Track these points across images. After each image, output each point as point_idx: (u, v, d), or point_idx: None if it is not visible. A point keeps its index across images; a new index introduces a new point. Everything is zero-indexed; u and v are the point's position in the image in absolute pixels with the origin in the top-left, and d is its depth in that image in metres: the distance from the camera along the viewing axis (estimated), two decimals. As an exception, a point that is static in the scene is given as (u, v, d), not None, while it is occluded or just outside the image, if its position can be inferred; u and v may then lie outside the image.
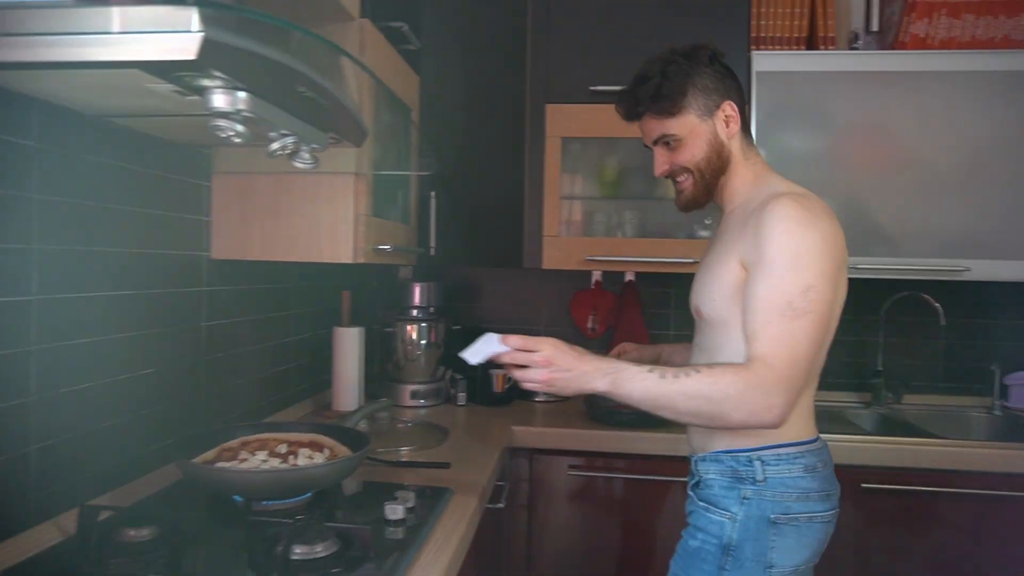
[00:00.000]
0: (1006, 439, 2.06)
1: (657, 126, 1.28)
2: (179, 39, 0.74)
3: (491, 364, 1.18)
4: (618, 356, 1.67)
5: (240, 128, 0.88)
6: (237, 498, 1.18)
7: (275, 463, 1.24)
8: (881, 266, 2.05)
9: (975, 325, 2.36)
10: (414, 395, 2.19)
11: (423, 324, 2.20)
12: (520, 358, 1.13)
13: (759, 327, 1.10)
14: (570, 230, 2.34)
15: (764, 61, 2.07)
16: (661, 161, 1.31)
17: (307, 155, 1.10)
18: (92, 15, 0.77)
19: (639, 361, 1.62)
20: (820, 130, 2.07)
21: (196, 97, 0.90)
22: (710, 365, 1.12)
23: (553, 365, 1.11)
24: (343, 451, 1.33)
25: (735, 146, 1.28)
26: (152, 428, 1.34)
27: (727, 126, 1.27)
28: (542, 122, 2.16)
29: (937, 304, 2.16)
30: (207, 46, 0.74)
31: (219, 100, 0.85)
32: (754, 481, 1.20)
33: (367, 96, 1.47)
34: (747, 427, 1.11)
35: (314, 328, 2.09)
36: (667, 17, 2.13)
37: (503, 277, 2.55)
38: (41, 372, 1.06)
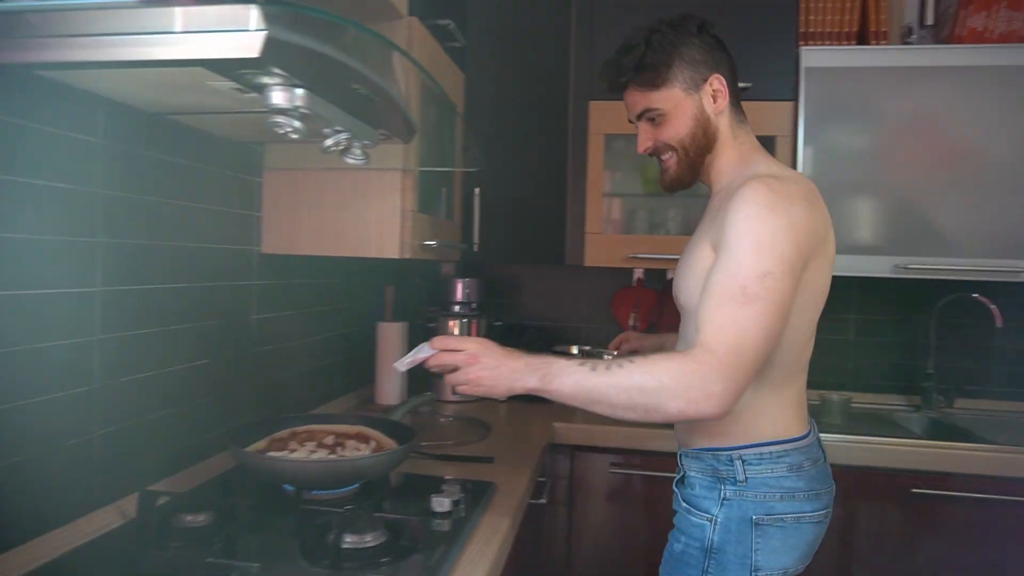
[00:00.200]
0: (1064, 446, 1.99)
1: (641, 99, 1.22)
2: (243, 37, 0.76)
3: (430, 372, 1.13)
4: (619, 346, 1.65)
5: (297, 124, 0.89)
6: (288, 487, 1.21)
7: (323, 454, 1.27)
8: (933, 266, 2.00)
9: (1032, 328, 2.29)
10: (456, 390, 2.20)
11: (465, 320, 2.22)
12: (444, 358, 1.09)
13: (709, 312, 1.02)
14: (612, 227, 2.33)
15: (813, 57, 2.03)
16: (644, 138, 1.25)
17: (359, 151, 1.12)
18: (155, 15, 0.79)
19: (637, 352, 1.60)
20: (870, 127, 2.03)
21: (255, 94, 0.92)
22: (649, 355, 1.04)
23: (479, 363, 1.06)
24: (389, 443, 1.35)
25: (723, 123, 1.22)
26: (205, 417, 1.38)
27: (714, 101, 1.20)
28: (585, 119, 2.16)
29: (993, 306, 2.09)
30: (269, 44, 0.76)
31: (278, 97, 0.87)
32: (735, 481, 1.16)
33: (414, 93, 1.49)
34: (687, 418, 1.00)
35: (357, 323, 2.13)
36: (712, 13, 2.08)
37: (544, 274, 2.55)
38: (104, 361, 1.10)
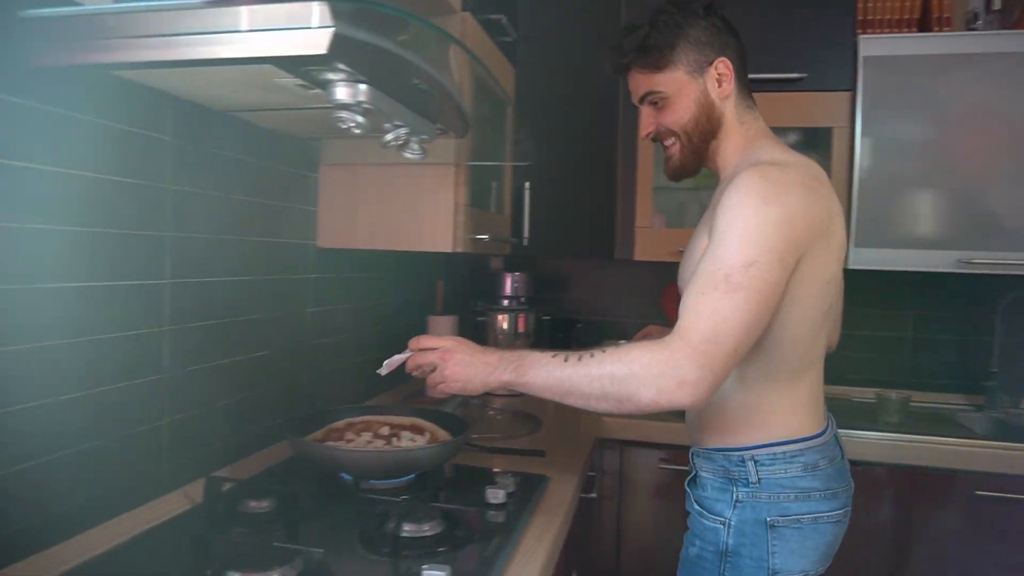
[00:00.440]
0: None
1: (644, 81, 1.18)
2: (311, 35, 0.78)
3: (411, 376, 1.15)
4: (643, 339, 1.62)
5: (360, 119, 0.91)
6: (345, 476, 1.23)
7: (379, 444, 1.29)
8: (997, 260, 1.92)
9: (1105, 325, 2.19)
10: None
11: (513, 314, 2.22)
12: (420, 357, 1.10)
13: (690, 299, 0.99)
14: (662, 221, 2.31)
15: (872, 45, 1.97)
16: (647, 122, 1.22)
17: (416, 146, 1.13)
18: (222, 15, 0.81)
19: None
20: (932, 117, 1.96)
21: (318, 90, 0.94)
22: (625, 345, 1.01)
23: (453, 359, 1.06)
24: (443, 435, 1.36)
25: (728, 108, 1.17)
26: (263, 407, 1.41)
27: (719, 85, 1.16)
28: (635, 112, 2.13)
29: (1062, 302, 2.01)
30: (336, 40, 0.77)
31: (342, 92, 0.89)
32: (747, 483, 1.13)
33: (467, 87, 1.50)
34: (661, 408, 0.96)
35: (408, 316, 2.15)
36: (767, 3, 2.06)
37: (592, 268, 2.54)
38: (173, 351, 1.14)
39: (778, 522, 1.11)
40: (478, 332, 2.25)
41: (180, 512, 1.11)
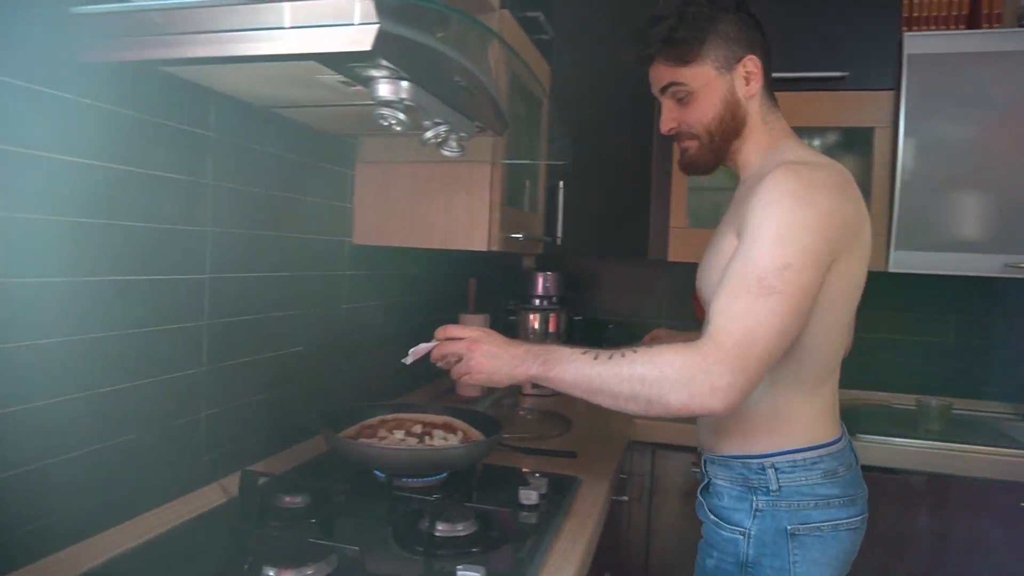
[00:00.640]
0: None
1: (667, 72, 1.15)
2: (355, 31, 0.77)
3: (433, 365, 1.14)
4: (651, 342, 1.60)
5: (402, 116, 0.90)
6: (379, 473, 1.24)
7: (412, 442, 1.29)
8: (1048, 265, 1.86)
9: None
10: (536, 383, 2.20)
11: (545, 313, 2.21)
12: (446, 347, 1.08)
13: (722, 302, 0.96)
14: (696, 222, 2.28)
15: (918, 43, 1.92)
16: (668, 117, 1.18)
17: (455, 144, 1.12)
18: (266, 11, 0.81)
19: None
20: (979, 117, 1.90)
21: (360, 87, 0.94)
22: (655, 346, 0.98)
23: (480, 349, 1.05)
24: (475, 434, 1.36)
25: (753, 107, 1.15)
26: (297, 402, 1.42)
27: (747, 83, 1.13)
28: (671, 111, 2.11)
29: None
30: (381, 37, 0.77)
31: (384, 89, 0.88)
32: (767, 491, 1.10)
33: (504, 85, 1.49)
34: (691, 413, 0.94)
35: (440, 314, 2.15)
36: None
37: (624, 268, 2.52)
38: (211, 345, 1.15)
39: (799, 531, 1.09)
40: (509, 331, 2.24)
41: (216, 504, 1.12)
